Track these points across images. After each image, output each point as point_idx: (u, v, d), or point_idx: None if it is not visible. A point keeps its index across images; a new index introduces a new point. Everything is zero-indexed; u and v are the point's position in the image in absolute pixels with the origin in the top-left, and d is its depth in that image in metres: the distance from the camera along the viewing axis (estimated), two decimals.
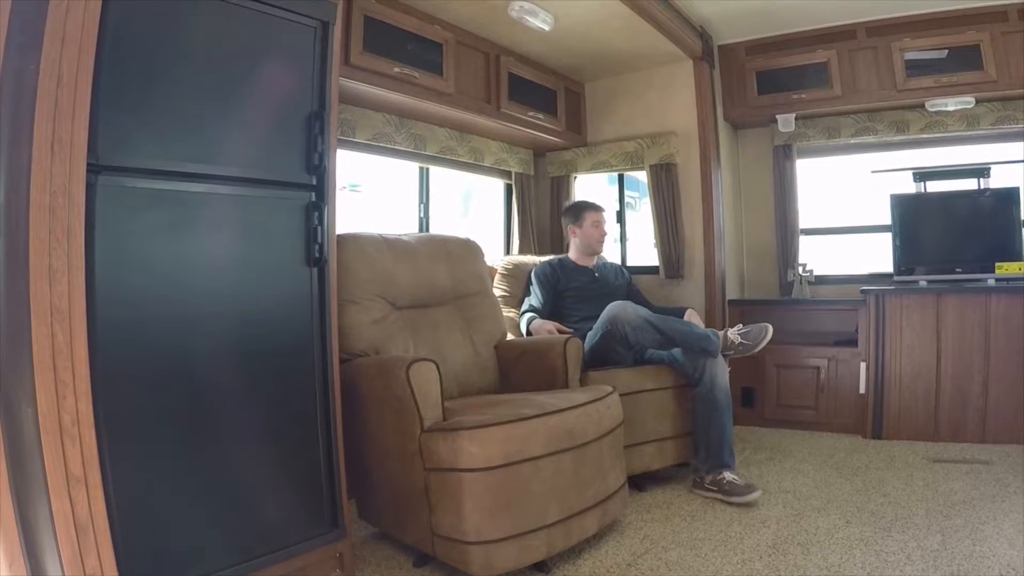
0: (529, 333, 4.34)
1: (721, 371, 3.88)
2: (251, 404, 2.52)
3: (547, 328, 4.24)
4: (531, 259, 5.03)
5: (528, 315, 4.45)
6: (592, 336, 4.06)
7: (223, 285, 2.44)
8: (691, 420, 3.96)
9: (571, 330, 4.26)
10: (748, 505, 3.59)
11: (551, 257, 4.86)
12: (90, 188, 2.02)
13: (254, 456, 2.52)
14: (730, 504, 3.62)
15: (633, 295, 4.78)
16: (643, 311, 3.93)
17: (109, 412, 2.06)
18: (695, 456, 3.91)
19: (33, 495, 1.87)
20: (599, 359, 4.06)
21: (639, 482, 3.90)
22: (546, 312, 4.48)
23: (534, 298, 4.57)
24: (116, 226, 2.13)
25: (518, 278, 4.86)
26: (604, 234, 4.80)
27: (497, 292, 4.64)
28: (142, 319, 2.20)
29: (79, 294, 1.95)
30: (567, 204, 5.22)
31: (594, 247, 4.77)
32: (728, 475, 3.72)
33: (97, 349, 2.01)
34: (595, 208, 4.82)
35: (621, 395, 3.46)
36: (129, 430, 2.14)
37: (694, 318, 4.34)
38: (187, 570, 2.28)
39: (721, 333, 3.93)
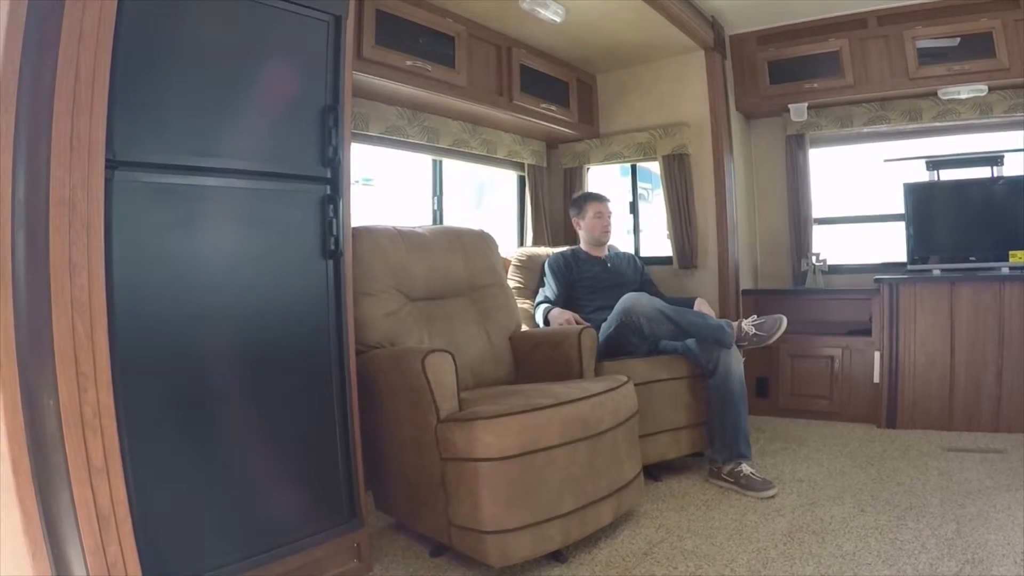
0: (546, 323, 4.35)
1: (736, 361, 3.89)
2: (268, 396, 2.55)
3: (565, 318, 4.24)
4: (545, 251, 5.04)
5: (544, 306, 4.47)
6: (607, 327, 4.07)
7: (239, 278, 2.47)
8: (706, 410, 3.97)
9: (586, 321, 4.25)
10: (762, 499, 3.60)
11: (564, 248, 4.88)
12: (107, 183, 2.04)
13: (272, 447, 2.55)
14: (746, 496, 3.63)
15: (646, 285, 4.77)
16: (658, 302, 3.94)
17: (128, 404, 2.09)
18: (711, 446, 3.93)
19: (55, 486, 1.89)
20: (613, 349, 4.07)
21: (654, 471, 3.92)
22: (560, 303, 4.48)
23: (548, 289, 4.58)
24: (133, 220, 2.16)
25: (532, 269, 4.87)
26: (607, 225, 4.79)
27: (511, 283, 4.65)
28: (160, 312, 2.23)
29: (99, 287, 1.97)
30: (573, 197, 5.23)
31: (598, 238, 4.78)
32: (746, 467, 3.73)
33: (116, 341, 2.04)
34: (597, 199, 4.84)
35: (636, 385, 3.47)
36: (148, 421, 2.18)
37: (704, 307, 4.35)
38: (207, 559, 2.31)
39: (735, 324, 3.93)
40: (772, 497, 3.57)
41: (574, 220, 4.90)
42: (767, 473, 3.86)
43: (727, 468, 3.77)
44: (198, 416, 2.34)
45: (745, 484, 3.67)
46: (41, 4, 1.92)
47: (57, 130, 1.89)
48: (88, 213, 1.96)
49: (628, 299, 3.99)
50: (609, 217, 4.80)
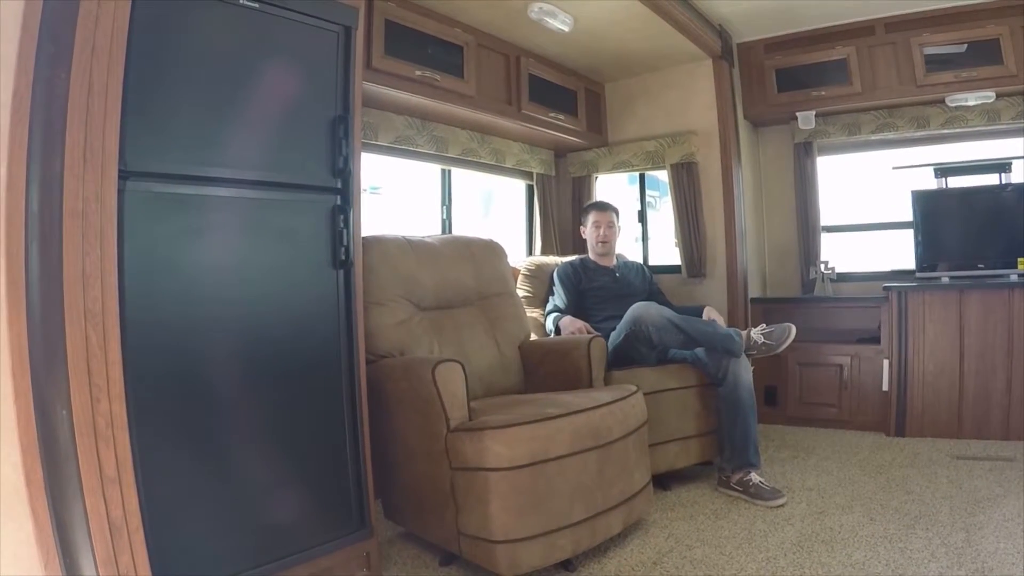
0: (557, 331, 4.34)
1: (745, 370, 3.89)
2: (279, 406, 2.55)
3: (577, 327, 4.22)
4: (553, 260, 5.04)
5: (554, 315, 4.46)
6: (616, 336, 4.07)
7: (250, 288, 2.48)
8: (715, 419, 3.97)
9: (596, 330, 4.23)
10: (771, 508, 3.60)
11: (573, 257, 4.88)
12: (119, 194, 2.05)
13: (282, 457, 2.55)
14: (755, 505, 3.63)
15: (654, 295, 4.76)
16: (666, 311, 3.94)
17: (140, 414, 2.09)
18: (720, 455, 3.93)
19: (68, 495, 1.90)
20: (622, 358, 4.06)
21: (663, 481, 3.91)
22: (570, 312, 4.47)
23: (557, 299, 4.57)
24: (144, 231, 2.17)
25: (540, 279, 4.86)
26: (602, 235, 4.75)
27: (520, 293, 4.64)
28: (171, 322, 2.24)
29: (112, 298, 1.98)
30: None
31: (594, 248, 4.78)
32: (755, 476, 3.73)
33: (128, 352, 2.05)
34: (596, 208, 4.85)
35: (645, 394, 3.46)
36: (159, 431, 2.18)
37: (713, 315, 4.35)
38: (217, 569, 2.31)
39: (744, 333, 3.93)
40: (781, 506, 3.57)
41: (581, 230, 4.92)
42: (776, 482, 3.86)
43: (736, 477, 3.77)
44: (209, 426, 2.34)
45: (754, 493, 3.66)
46: (54, 17, 1.93)
47: (70, 142, 1.91)
48: (101, 224, 1.97)
49: (637, 308, 3.99)
50: (608, 228, 4.76)
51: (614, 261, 4.79)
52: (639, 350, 4.01)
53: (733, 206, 5.44)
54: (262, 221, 2.53)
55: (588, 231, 4.80)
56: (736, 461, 3.80)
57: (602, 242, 4.75)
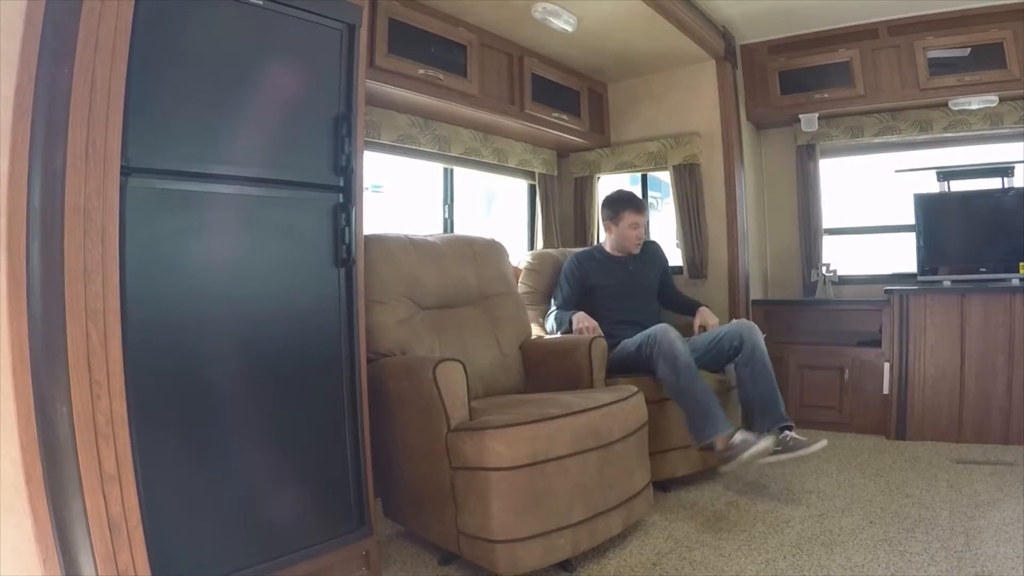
0: (569, 327, 4.21)
1: (759, 337, 3.91)
2: (279, 403, 2.55)
3: (587, 325, 4.12)
4: (560, 251, 5.00)
5: (556, 313, 4.37)
6: (631, 343, 4.00)
7: (251, 285, 2.48)
8: (740, 390, 3.96)
9: (605, 334, 4.10)
10: (814, 454, 3.61)
11: (582, 249, 4.82)
12: (121, 190, 2.04)
13: (282, 455, 2.55)
14: (755, 507, 3.61)
15: (665, 286, 4.73)
16: (686, 355, 3.76)
17: (140, 411, 2.09)
18: (751, 426, 3.81)
19: (67, 493, 1.90)
20: (627, 362, 4.02)
21: (663, 483, 3.90)
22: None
23: (560, 296, 4.49)
24: (146, 227, 2.17)
25: (542, 273, 4.79)
26: (641, 236, 4.59)
27: (521, 289, 4.63)
28: (171, 319, 2.24)
29: (113, 294, 1.98)
30: (609, 194, 4.83)
31: (629, 249, 4.59)
32: (789, 433, 3.68)
33: (129, 349, 2.04)
34: (636, 208, 4.58)
35: (648, 403, 3.45)
36: (159, 429, 2.18)
37: (707, 317, 4.37)
38: (217, 566, 2.32)
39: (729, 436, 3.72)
40: (821, 448, 3.58)
41: (606, 223, 4.66)
42: (776, 484, 3.86)
43: (775, 438, 3.66)
44: (209, 423, 2.35)
45: (793, 446, 3.62)
46: (57, 13, 1.93)
47: (73, 138, 1.90)
48: (103, 220, 1.97)
49: (660, 331, 3.84)
50: (642, 228, 4.59)
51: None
52: (639, 360, 3.92)
53: (735, 208, 5.44)
54: (264, 219, 2.53)
55: (622, 230, 4.55)
56: (770, 418, 3.75)
57: (639, 244, 4.60)
